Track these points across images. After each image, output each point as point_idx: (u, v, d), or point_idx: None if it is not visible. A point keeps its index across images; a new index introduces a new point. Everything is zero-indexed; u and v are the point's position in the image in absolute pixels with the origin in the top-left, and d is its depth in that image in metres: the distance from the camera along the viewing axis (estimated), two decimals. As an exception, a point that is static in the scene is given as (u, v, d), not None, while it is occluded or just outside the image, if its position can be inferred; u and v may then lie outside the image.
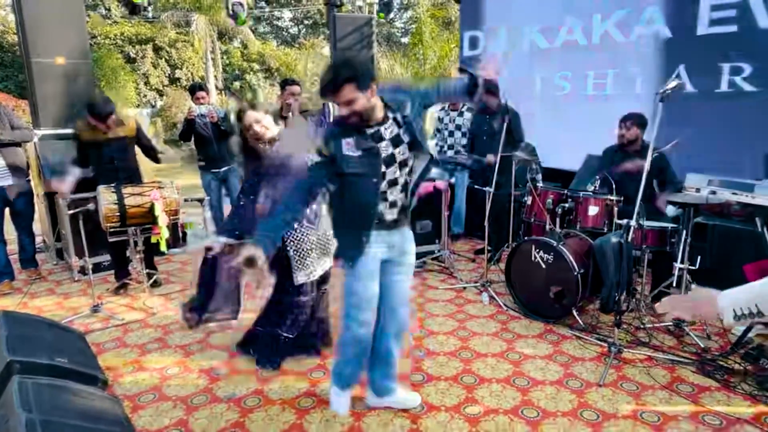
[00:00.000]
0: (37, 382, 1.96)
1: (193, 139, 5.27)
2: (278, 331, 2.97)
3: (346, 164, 2.16)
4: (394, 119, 2.21)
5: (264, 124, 2.77)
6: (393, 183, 2.26)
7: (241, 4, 7.39)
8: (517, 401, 2.69)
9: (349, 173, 2.17)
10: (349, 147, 2.16)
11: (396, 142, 2.22)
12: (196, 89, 5.26)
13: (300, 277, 2.89)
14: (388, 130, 2.21)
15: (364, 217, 2.23)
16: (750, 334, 3.18)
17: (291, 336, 3.00)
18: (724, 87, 4.14)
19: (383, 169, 2.20)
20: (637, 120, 3.87)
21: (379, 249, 2.31)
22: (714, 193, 3.18)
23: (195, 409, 2.66)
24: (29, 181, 4.58)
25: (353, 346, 2.42)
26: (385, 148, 2.20)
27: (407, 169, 2.29)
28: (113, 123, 4.05)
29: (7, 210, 4.48)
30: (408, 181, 2.32)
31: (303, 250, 2.88)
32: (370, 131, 2.18)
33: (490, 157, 4.53)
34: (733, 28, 4.03)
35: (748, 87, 4.02)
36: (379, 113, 2.17)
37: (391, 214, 2.29)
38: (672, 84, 3.13)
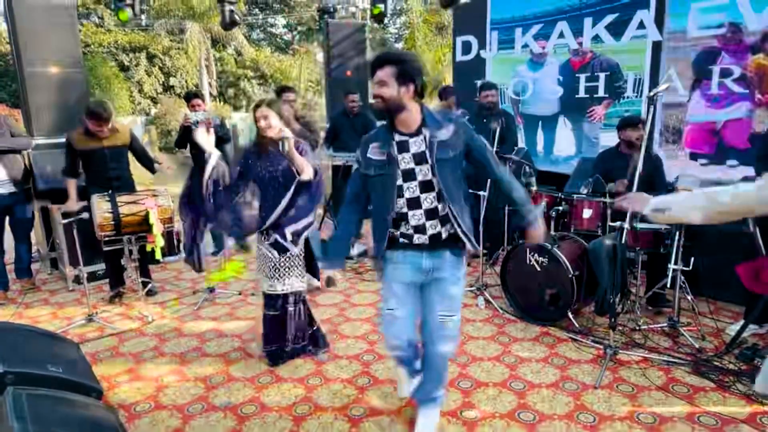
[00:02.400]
0: (31, 393, 1.95)
1: (188, 146, 5.27)
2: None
3: (368, 167, 2.16)
4: (426, 137, 2.08)
5: (269, 122, 2.92)
6: (415, 204, 2.14)
7: (233, 11, 7.41)
8: (514, 405, 2.70)
9: (370, 177, 2.17)
10: (374, 150, 2.14)
11: (419, 159, 2.10)
12: (191, 97, 5.27)
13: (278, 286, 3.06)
14: (416, 145, 2.10)
15: (378, 227, 2.22)
16: (744, 334, 3.20)
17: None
18: (714, 89, 4.18)
19: (400, 182, 2.11)
20: (643, 122, 3.91)
21: (406, 270, 2.24)
22: (706, 194, 3.19)
23: (191, 417, 2.65)
24: (28, 189, 4.56)
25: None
26: (406, 161, 2.11)
27: (434, 194, 2.13)
28: (111, 129, 4.08)
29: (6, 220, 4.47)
30: (444, 210, 2.15)
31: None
32: (399, 138, 2.11)
33: None
34: (722, 31, 4.08)
35: (737, 89, 4.06)
36: (413, 124, 2.09)
37: (419, 238, 2.17)
38: (663, 87, 3.16)
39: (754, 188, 1.62)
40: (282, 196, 2.93)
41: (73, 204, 4.11)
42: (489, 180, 4.15)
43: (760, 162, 3.52)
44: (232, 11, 7.20)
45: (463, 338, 3.49)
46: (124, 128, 4.31)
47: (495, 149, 4.14)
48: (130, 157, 4.36)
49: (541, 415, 2.60)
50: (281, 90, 4.42)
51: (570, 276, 3.41)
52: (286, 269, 3.03)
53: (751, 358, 3.01)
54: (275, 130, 2.91)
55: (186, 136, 5.17)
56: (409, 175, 2.11)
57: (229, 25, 7.27)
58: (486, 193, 4.13)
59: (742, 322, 3.26)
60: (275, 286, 3.02)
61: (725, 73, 4.11)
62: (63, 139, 4.31)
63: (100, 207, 3.80)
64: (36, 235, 5.22)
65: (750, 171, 3.98)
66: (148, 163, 4.50)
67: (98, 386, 2.52)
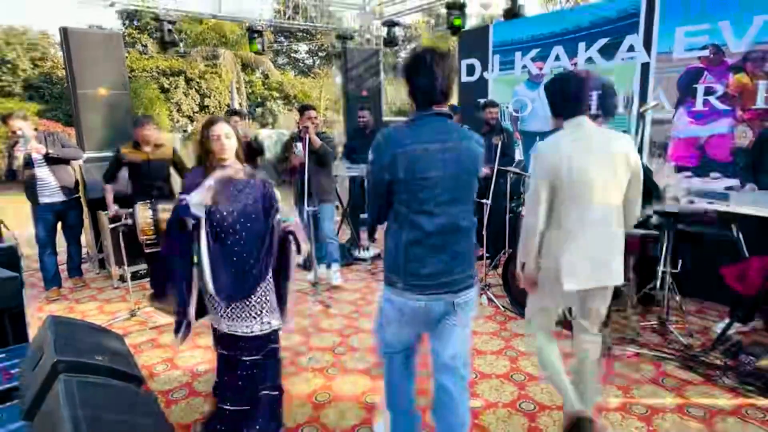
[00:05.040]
0: (81, 380, 1.96)
1: None
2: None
3: None
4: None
5: (221, 144, 2.11)
6: None
7: (261, 40, 7.50)
8: (515, 395, 2.66)
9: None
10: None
11: None
12: (232, 114, 5.34)
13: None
14: None
15: None
16: (729, 332, 3.12)
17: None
18: (699, 106, 4.11)
19: None
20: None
21: None
22: (692, 202, 3.14)
23: (222, 403, 2.64)
24: (79, 198, 4.63)
25: None
26: None
27: None
28: (156, 144, 4.18)
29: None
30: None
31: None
32: None
33: (485, 170, 4.53)
34: (706, 53, 4.01)
35: (720, 105, 3.99)
36: None
37: None
38: (651, 104, 3.12)
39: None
40: (252, 262, 2.09)
41: (111, 207, 4.28)
42: (492, 189, 4.15)
43: (745, 171, 3.45)
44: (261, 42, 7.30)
45: (468, 333, 3.45)
46: (168, 144, 4.38)
47: (497, 163, 4.12)
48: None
49: (540, 405, 2.56)
50: (304, 108, 4.43)
51: (566, 277, 3.36)
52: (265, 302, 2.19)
53: (736, 354, 2.94)
54: (230, 152, 2.11)
55: None
56: None
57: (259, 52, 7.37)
58: (488, 202, 4.10)
59: (727, 320, 3.18)
60: (252, 326, 2.17)
61: (709, 91, 4.04)
62: (111, 153, 4.39)
63: (143, 214, 3.84)
64: (86, 239, 5.29)
65: (732, 182, 3.90)
66: None
67: (140, 374, 2.53)
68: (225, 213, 2.06)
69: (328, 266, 4.60)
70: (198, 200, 1.99)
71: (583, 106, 2.08)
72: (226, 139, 2.11)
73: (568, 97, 2.09)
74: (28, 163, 4.22)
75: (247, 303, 2.14)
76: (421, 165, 1.69)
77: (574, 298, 2.14)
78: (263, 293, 2.17)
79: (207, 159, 2.13)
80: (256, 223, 2.13)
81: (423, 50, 1.75)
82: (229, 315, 2.15)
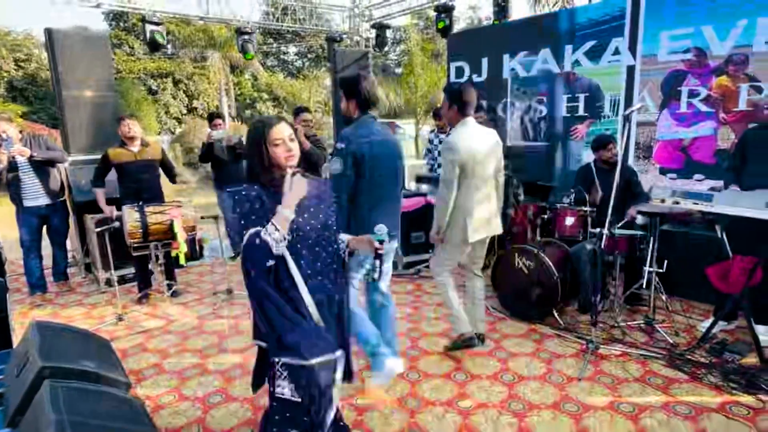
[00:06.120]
0: (66, 386, 1.93)
1: (210, 161, 5.28)
2: None
3: None
4: None
5: (296, 146, 1.74)
6: None
7: (250, 41, 7.48)
8: (505, 395, 2.67)
9: None
10: None
11: None
12: (213, 117, 5.31)
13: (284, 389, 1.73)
14: None
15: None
16: (714, 330, 3.17)
17: None
18: (683, 108, 4.18)
19: None
20: (614, 140, 3.92)
21: None
22: (677, 203, 3.19)
23: (211, 407, 2.63)
24: (64, 201, 4.57)
25: None
26: None
27: None
28: (143, 143, 4.17)
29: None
30: None
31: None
32: None
33: None
34: (689, 56, 4.09)
35: (703, 108, 4.06)
36: None
37: None
38: (637, 106, 3.16)
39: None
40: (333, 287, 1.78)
41: (105, 209, 4.20)
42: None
43: (728, 173, 3.52)
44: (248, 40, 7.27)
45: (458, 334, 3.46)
46: (156, 144, 4.35)
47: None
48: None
49: (529, 405, 2.57)
50: (299, 110, 4.39)
51: (555, 278, 3.40)
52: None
53: (720, 352, 2.99)
54: (297, 159, 1.72)
55: (209, 151, 5.18)
56: None
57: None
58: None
59: (712, 319, 3.24)
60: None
61: (692, 94, 4.11)
62: (97, 156, 4.34)
63: (131, 216, 3.81)
64: (71, 242, 5.22)
65: (716, 183, 3.97)
66: (173, 176, 4.53)
67: (127, 380, 2.50)
68: (307, 230, 1.71)
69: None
70: (278, 237, 1.61)
71: (473, 109, 2.88)
72: (291, 142, 1.71)
73: (468, 101, 2.83)
74: (13, 165, 4.16)
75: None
76: (368, 152, 2.46)
77: (470, 248, 3.00)
78: None
79: (266, 170, 1.70)
80: (335, 238, 1.81)
81: (356, 75, 2.59)
82: None
